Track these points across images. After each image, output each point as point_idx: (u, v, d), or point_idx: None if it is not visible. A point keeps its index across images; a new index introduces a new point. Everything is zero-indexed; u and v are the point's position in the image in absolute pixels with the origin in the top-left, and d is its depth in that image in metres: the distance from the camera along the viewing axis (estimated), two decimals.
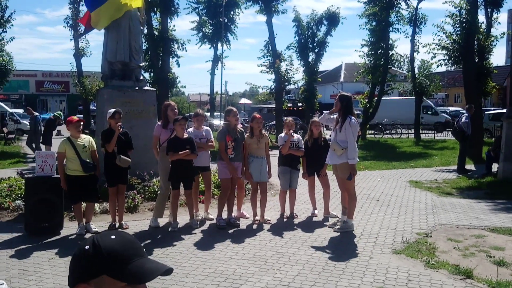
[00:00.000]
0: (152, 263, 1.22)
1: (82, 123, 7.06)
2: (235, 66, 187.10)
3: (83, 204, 6.95)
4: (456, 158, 13.12)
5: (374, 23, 23.57)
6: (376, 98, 24.52)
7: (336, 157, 6.66)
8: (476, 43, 15.77)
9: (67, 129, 6.94)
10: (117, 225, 6.98)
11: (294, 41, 27.70)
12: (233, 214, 7.32)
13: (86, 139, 6.81)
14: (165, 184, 7.20)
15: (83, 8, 29.43)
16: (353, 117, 6.63)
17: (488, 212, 7.92)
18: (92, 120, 19.58)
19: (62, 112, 15.46)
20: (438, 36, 15.71)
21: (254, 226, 7.15)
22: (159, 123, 7.39)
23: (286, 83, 27.57)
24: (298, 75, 31.40)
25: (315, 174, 7.81)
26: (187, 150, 6.75)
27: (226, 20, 28.01)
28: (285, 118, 8.28)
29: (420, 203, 8.66)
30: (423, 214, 7.78)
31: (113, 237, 1.23)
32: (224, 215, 7.18)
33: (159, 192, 7.53)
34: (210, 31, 29.09)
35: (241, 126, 8.07)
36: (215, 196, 8.60)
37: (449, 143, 20.50)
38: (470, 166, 13.18)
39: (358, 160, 6.79)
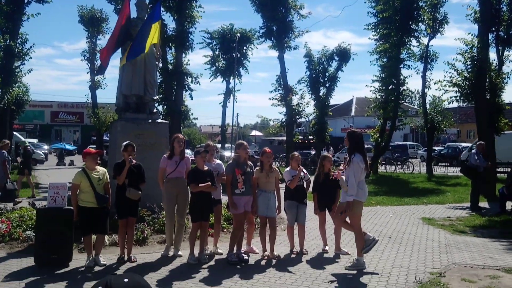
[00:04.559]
0: None
1: (99, 155, 7.17)
2: (246, 99, 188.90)
3: (93, 236, 6.94)
4: (469, 195, 12.94)
5: (385, 60, 23.82)
6: (387, 133, 24.50)
7: (345, 195, 6.64)
8: (487, 80, 15.79)
9: (84, 160, 7.04)
10: (126, 258, 6.94)
11: (306, 76, 28.11)
12: (242, 249, 7.25)
13: (101, 171, 6.87)
14: (167, 214, 7.39)
15: (100, 42, 30.34)
16: (358, 154, 6.56)
17: (503, 252, 7.74)
18: (105, 151, 19.84)
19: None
20: (449, 73, 15.80)
21: (263, 262, 7.06)
22: (165, 155, 7.48)
23: (297, 116, 27.79)
24: (309, 109, 31.65)
25: (326, 210, 7.75)
26: (209, 183, 6.82)
27: (238, 55, 28.56)
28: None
29: (433, 241, 8.50)
30: (436, 252, 7.62)
31: (126, 280, 1.23)
32: (234, 250, 7.11)
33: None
34: (223, 65, 29.62)
35: (253, 157, 8.12)
36: (224, 230, 8.56)
37: (462, 179, 20.24)
38: (483, 204, 12.96)
39: (361, 199, 6.65)
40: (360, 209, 6.74)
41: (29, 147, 15.45)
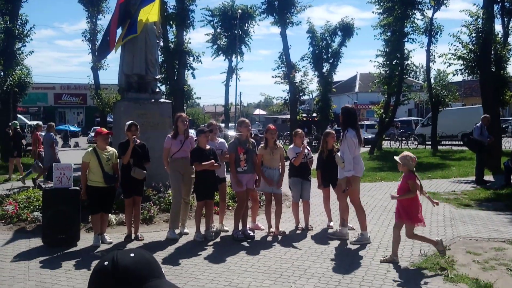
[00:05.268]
0: (167, 285, 1.21)
1: (111, 135, 7.22)
2: (249, 77, 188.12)
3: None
4: (474, 169, 12.91)
5: (389, 34, 23.49)
6: (391, 108, 24.36)
7: (342, 171, 6.66)
8: (493, 52, 15.58)
9: (95, 139, 7.10)
10: (133, 236, 7.02)
11: (309, 52, 27.82)
12: (247, 226, 7.30)
13: (111, 152, 6.91)
14: (176, 193, 7.28)
15: (100, 22, 30.06)
16: (351, 130, 6.61)
17: (508, 225, 7.76)
18: None
19: (41, 124, 14.62)
20: (454, 46, 15.58)
21: (269, 238, 7.12)
22: (169, 135, 7.45)
23: (301, 94, 27.64)
24: (312, 86, 31.40)
25: (330, 186, 7.76)
26: (212, 161, 6.82)
27: (240, 32, 28.22)
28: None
29: (438, 215, 8.52)
30: (441, 226, 7.65)
31: (132, 255, 1.22)
32: (239, 227, 7.16)
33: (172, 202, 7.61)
34: (225, 43, 29.30)
35: (257, 136, 8.09)
36: (230, 208, 8.60)
37: (467, 153, 20.20)
38: (488, 177, 12.94)
39: (357, 174, 6.69)
40: (357, 184, 6.78)
41: (18, 129, 15.26)
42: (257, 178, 7.29)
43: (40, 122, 38.17)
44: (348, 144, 6.52)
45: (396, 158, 6.04)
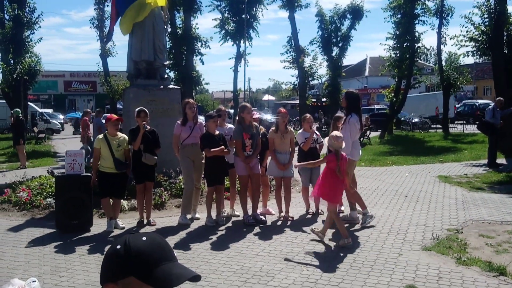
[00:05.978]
0: (180, 268, 1.21)
1: (121, 122, 7.27)
2: (257, 63, 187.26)
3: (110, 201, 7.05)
4: (486, 152, 12.78)
5: (399, 16, 23.15)
6: (402, 92, 24.11)
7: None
8: (505, 33, 15.29)
9: (105, 126, 7.17)
10: (145, 222, 7.08)
11: (318, 36, 27.52)
12: (258, 211, 7.31)
13: (121, 138, 6.94)
14: (188, 180, 7.28)
15: (108, 9, 29.92)
16: (354, 115, 6.65)
17: None
18: None
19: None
20: (466, 27, 15.35)
21: (280, 223, 7.13)
22: (178, 122, 7.43)
23: (310, 79, 27.42)
24: (321, 70, 31.11)
25: None
26: (222, 147, 6.82)
27: (248, 17, 27.96)
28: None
29: (450, 198, 8.47)
30: (453, 209, 7.60)
31: (144, 239, 1.22)
32: (249, 211, 7.18)
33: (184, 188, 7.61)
34: (233, 28, 29.07)
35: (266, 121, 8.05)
36: None
37: (479, 136, 19.98)
38: (501, 160, 12.79)
39: (354, 158, 6.75)
40: (352, 168, 6.81)
41: (21, 117, 15.28)
42: (266, 164, 7.29)
43: (51, 110, 38.32)
44: (350, 129, 6.56)
45: (325, 139, 6.15)
